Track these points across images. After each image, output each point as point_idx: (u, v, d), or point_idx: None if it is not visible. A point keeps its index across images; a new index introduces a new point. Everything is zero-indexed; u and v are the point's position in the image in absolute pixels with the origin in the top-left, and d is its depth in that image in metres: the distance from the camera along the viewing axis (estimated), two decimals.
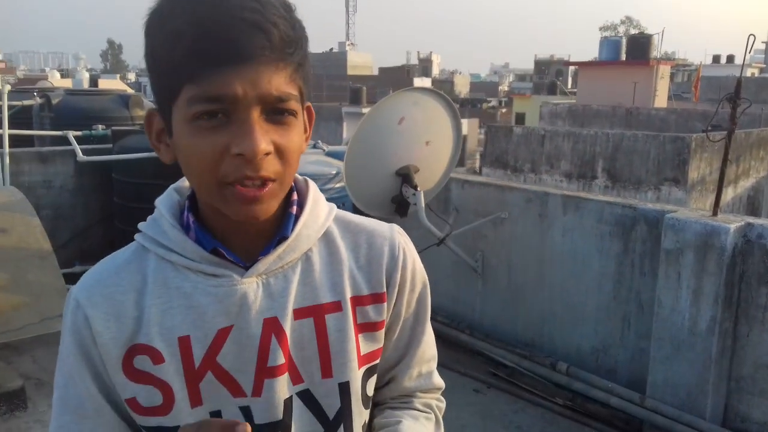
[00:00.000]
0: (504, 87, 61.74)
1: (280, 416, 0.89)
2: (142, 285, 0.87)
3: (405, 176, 4.08)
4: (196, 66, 0.75)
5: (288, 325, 0.88)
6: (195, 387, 0.86)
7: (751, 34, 3.47)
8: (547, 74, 47.44)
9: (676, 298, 3.52)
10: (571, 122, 15.66)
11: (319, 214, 0.93)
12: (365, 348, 0.94)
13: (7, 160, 5.17)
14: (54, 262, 3.81)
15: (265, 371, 0.87)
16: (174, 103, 0.79)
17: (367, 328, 0.94)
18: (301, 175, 0.96)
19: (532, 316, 4.46)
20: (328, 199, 0.98)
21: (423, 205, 4.08)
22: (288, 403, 0.89)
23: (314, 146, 4.67)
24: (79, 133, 5.86)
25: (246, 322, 0.86)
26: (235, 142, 0.76)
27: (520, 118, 27.52)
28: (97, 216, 5.76)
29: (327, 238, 0.94)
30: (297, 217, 0.91)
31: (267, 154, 0.78)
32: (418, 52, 78.02)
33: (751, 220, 3.50)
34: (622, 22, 56.03)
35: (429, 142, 4.21)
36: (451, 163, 4.42)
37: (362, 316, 0.93)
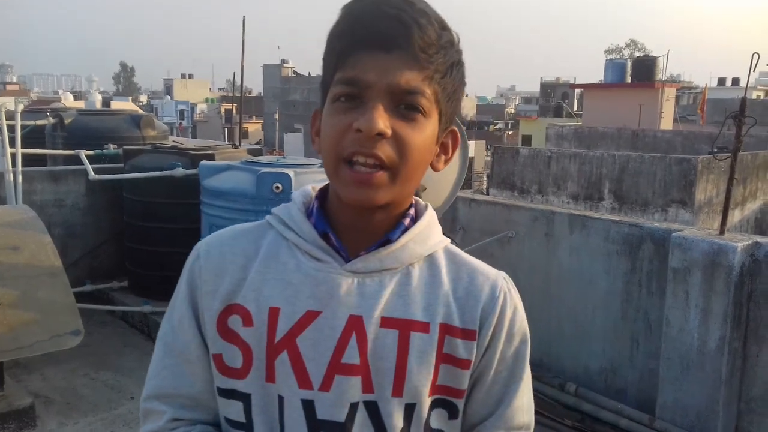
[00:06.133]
0: (510, 109, 62.00)
1: (343, 418, 0.88)
2: (254, 253, 0.94)
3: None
4: (343, 51, 0.85)
5: (372, 329, 0.89)
6: (271, 362, 0.90)
7: (755, 53, 3.51)
8: (553, 97, 47.65)
9: (684, 318, 3.51)
10: (577, 144, 15.71)
11: (430, 236, 0.96)
12: (443, 380, 0.92)
13: (20, 178, 5.22)
14: (64, 279, 3.83)
15: (338, 367, 0.88)
16: (329, 92, 0.88)
17: (451, 361, 0.92)
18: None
19: (540, 336, 4.45)
20: None
21: None
22: (354, 408, 0.89)
23: (322, 165, 4.71)
24: (91, 152, 5.91)
25: (332, 312, 0.89)
26: (357, 120, 0.83)
27: (527, 140, 27.62)
28: (107, 234, 5.81)
29: (432, 261, 0.95)
30: (407, 229, 0.93)
31: (382, 134, 0.82)
32: None
33: (758, 238, 3.51)
34: (627, 45, 56.41)
35: None
36: (457, 183, 4.44)
37: (449, 347, 0.91)
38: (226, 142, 10.72)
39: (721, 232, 3.60)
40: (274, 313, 0.89)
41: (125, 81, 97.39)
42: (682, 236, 3.55)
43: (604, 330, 4.09)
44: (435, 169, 0.94)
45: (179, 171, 5.01)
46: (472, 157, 18.64)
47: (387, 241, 0.91)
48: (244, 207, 4.44)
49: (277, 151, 20.80)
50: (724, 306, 3.36)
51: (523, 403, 0.97)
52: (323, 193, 0.97)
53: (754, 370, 3.42)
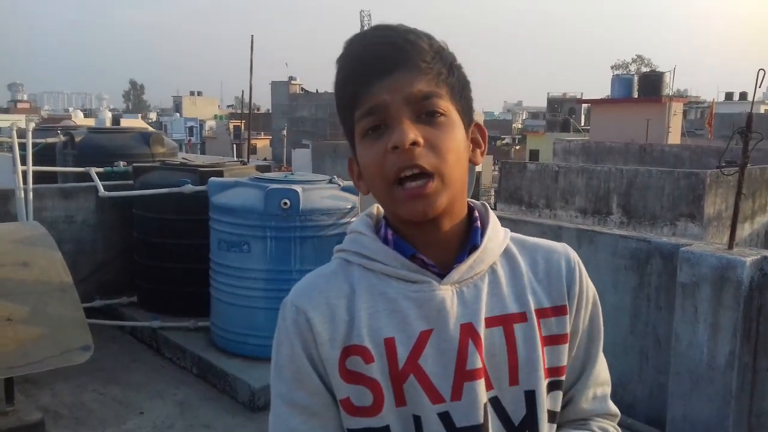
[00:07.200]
0: (517, 124, 62.01)
1: (482, 419, 0.93)
2: (351, 292, 0.97)
3: None
4: (354, 91, 0.91)
5: (482, 331, 0.94)
6: (399, 388, 0.93)
7: (760, 69, 3.52)
8: (560, 112, 47.67)
9: (693, 333, 3.50)
10: (584, 159, 15.70)
11: (499, 231, 1.02)
12: (549, 361, 0.98)
13: (30, 195, 5.28)
14: (74, 295, 3.85)
15: (464, 374, 0.93)
16: (355, 135, 0.94)
17: (551, 341, 0.99)
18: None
19: None
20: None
21: None
22: (485, 407, 0.94)
23: (330, 181, 4.74)
24: (101, 169, 5.97)
25: (445, 327, 0.93)
26: (389, 139, 0.89)
27: (534, 155, 27.65)
28: (116, 250, 5.84)
29: (507, 254, 1.01)
30: (484, 231, 0.99)
31: (415, 143, 0.88)
32: None
33: (767, 253, 3.49)
34: (634, 61, 56.45)
35: None
36: None
37: (546, 329, 0.99)
38: (235, 159, 10.79)
39: (730, 246, 3.59)
40: (390, 343, 0.93)
41: (135, 99, 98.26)
42: (690, 251, 3.54)
43: (613, 345, 4.07)
44: (475, 163, 1.00)
45: (188, 187, 5.05)
46: (479, 172, 18.67)
47: (474, 247, 0.97)
48: (253, 223, 4.46)
49: (285, 167, 20.92)
50: (734, 321, 3.34)
51: (604, 360, 1.07)
52: (388, 220, 1.01)
53: (764, 385, 3.39)
